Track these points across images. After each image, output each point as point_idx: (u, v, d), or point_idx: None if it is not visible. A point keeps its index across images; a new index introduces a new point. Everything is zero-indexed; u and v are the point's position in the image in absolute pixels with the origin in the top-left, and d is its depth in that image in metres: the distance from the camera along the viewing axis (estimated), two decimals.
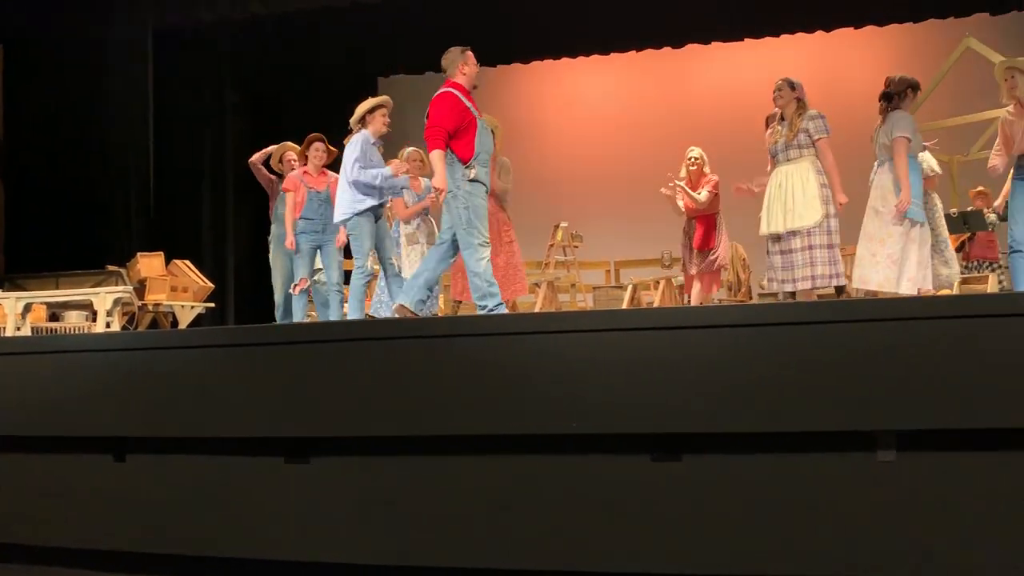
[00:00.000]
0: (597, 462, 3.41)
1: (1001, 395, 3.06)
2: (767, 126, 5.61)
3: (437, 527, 3.55)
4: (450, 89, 4.82)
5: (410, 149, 6.38)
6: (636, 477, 3.37)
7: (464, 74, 4.91)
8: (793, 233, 4.99)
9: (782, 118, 5.25)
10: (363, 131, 5.45)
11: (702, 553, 3.28)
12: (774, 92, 5.23)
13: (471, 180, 4.69)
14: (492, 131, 5.43)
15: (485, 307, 4.77)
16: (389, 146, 6.12)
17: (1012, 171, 4.95)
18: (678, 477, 3.33)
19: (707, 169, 6.51)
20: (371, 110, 5.48)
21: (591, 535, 3.39)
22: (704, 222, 6.42)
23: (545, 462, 3.47)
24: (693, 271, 6.46)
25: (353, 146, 5.37)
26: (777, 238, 5.10)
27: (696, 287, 6.44)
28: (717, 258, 6.37)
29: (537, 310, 7.44)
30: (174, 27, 9.91)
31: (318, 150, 5.96)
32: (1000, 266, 7.47)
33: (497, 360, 3.50)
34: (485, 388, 3.49)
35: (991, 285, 7.01)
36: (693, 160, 6.51)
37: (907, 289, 4.85)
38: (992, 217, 7.45)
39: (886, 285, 4.84)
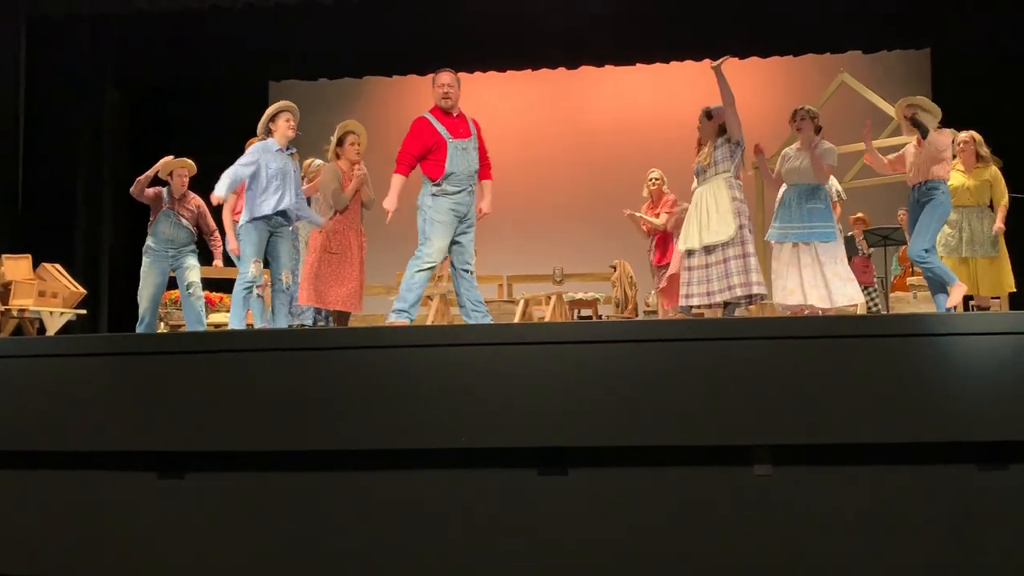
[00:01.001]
0: (485, 476, 3.40)
1: (871, 412, 3.23)
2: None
3: (322, 546, 3.46)
4: (425, 114, 4.98)
5: (317, 162, 6.31)
6: (523, 491, 3.38)
7: (434, 98, 5.01)
8: (709, 248, 5.17)
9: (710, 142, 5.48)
10: (267, 139, 5.30)
11: (587, 565, 3.31)
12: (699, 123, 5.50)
13: (433, 195, 4.87)
14: (356, 140, 5.66)
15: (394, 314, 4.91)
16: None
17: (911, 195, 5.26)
18: (565, 490, 3.36)
19: (666, 188, 6.77)
20: (273, 116, 5.34)
21: (479, 549, 3.37)
22: (660, 239, 6.68)
23: (433, 477, 3.43)
24: (661, 286, 6.77)
25: (250, 155, 5.28)
26: (691, 253, 5.28)
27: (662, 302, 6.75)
28: (668, 271, 6.60)
29: (429, 323, 7.40)
30: (51, 17, 9.39)
31: None
32: (874, 289, 7.90)
33: (386, 373, 3.45)
34: (373, 401, 3.43)
35: (860, 307, 7.40)
36: (653, 181, 6.85)
37: (834, 304, 5.19)
38: (871, 251, 7.89)
39: (822, 302, 5.19)
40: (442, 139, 4.88)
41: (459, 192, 4.93)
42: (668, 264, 6.67)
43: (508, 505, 3.38)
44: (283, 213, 5.29)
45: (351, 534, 3.45)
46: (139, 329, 5.97)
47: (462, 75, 11.15)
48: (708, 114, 5.42)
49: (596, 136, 11.11)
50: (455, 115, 5.01)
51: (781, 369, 3.28)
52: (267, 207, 5.21)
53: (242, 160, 5.24)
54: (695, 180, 5.48)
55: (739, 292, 5.09)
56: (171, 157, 6.13)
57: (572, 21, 9.75)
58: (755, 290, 5.08)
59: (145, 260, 6.03)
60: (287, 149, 5.32)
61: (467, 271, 5.00)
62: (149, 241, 6.03)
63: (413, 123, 4.96)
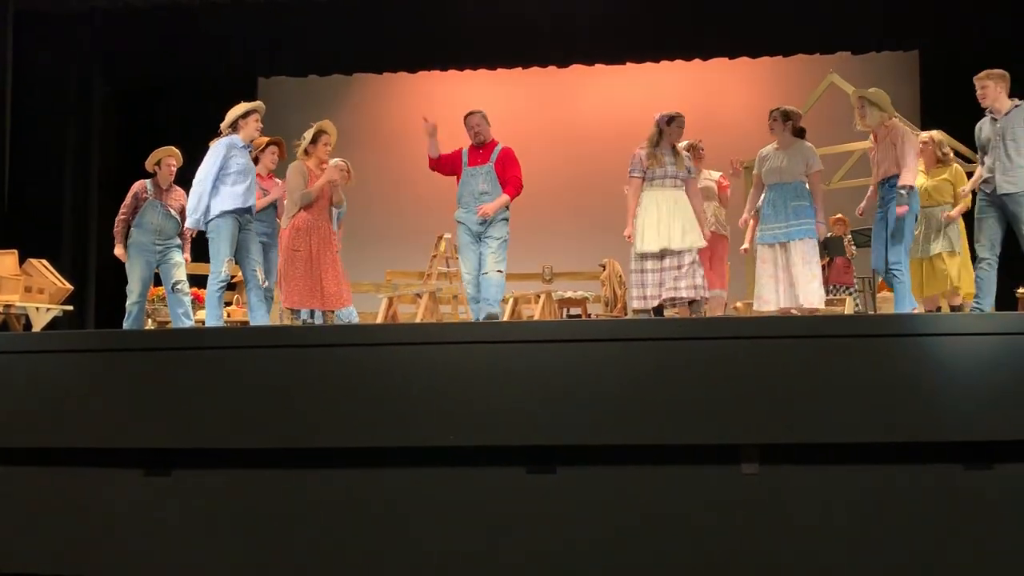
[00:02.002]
0: (473, 474, 3.40)
1: (857, 412, 3.24)
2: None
3: (308, 544, 3.45)
4: (464, 147, 5.73)
5: (338, 159, 6.33)
6: (511, 489, 3.38)
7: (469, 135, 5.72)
8: (688, 250, 5.36)
9: (672, 146, 5.60)
10: (232, 136, 5.32)
11: (575, 562, 3.32)
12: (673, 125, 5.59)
13: (457, 219, 5.65)
14: (328, 140, 5.77)
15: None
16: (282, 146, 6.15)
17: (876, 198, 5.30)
18: (552, 488, 3.36)
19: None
20: (245, 115, 5.36)
21: (467, 546, 3.37)
22: None
23: (422, 474, 3.43)
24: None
25: (215, 152, 5.26)
26: (663, 255, 5.35)
27: None
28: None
29: (418, 321, 7.39)
30: (39, 11, 9.33)
31: (273, 152, 6.10)
32: (855, 290, 7.93)
33: (375, 371, 3.45)
34: (360, 399, 3.43)
35: (848, 308, 7.43)
36: None
37: (802, 304, 5.27)
38: (853, 250, 7.91)
39: (818, 302, 5.30)
40: (461, 168, 5.65)
41: (466, 212, 5.58)
42: None
43: (496, 503, 3.38)
44: (249, 208, 5.34)
45: (338, 531, 3.44)
46: (126, 324, 5.92)
47: (452, 72, 11.15)
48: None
49: (586, 134, 11.10)
50: (482, 147, 5.66)
51: (768, 368, 3.29)
52: (238, 200, 5.25)
53: (220, 166, 5.24)
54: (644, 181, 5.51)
55: (700, 292, 5.32)
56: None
57: (563, 20, 9.75)
58: (706, 293, 5.41)
59: (130, 253, 5.96)
60: (247, 146, 5.40)
61: (484, 273, 5.58)
62: (134, 234, 5.94)
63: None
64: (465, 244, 5.61)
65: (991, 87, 4.99)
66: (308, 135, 5.78)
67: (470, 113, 5.70)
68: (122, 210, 5.98)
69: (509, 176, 5.60)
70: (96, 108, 10.17)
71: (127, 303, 5.94)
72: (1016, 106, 4.96)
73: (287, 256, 5.54)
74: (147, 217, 5.93)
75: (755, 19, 9.64)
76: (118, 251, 5.96)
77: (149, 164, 6.05)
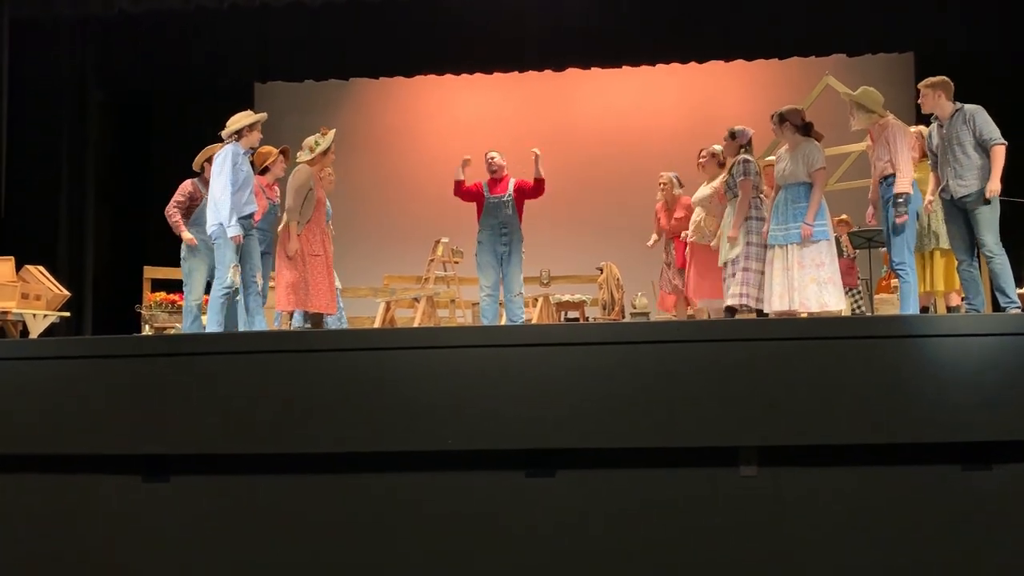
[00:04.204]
0: (472, 478, 3.40)
1: (856, 413, 3.25)
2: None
3: (307, 548, 3.45)
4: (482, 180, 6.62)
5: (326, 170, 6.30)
6: (510, 492, 3.38)
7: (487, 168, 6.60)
8: (725, 264, 5.67)
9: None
10: (234, 144, 5.31)
11: (574, 565, 3.32)
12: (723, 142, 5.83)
13: (479, 241, 6.50)
14: (326, 145, 5.80)
15: None
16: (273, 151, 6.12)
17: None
18: (552, 492, 3.36)
19: (677, 191, 6.79)
20: (250, 126, 5.36)
21: (467, 551, 3.37)
22: (679, 242, 6.68)
23: (420, 479, 3.43)
24: (668, 289, 6.77)
25: (226, 162, 5.23)
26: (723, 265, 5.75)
27: (681, 302, 6.76)
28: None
29: (415, 325, 7.39)
30: (33, 18, 9.32)
31: (282, 162, 6.05)
32: (858, 291, 7.93)
33: (372, 375, 3.45)
34: (359, 404, 3.43)
35: (845, 309, 7.42)
36: (662, 185, 6.96)
37: (809, 308, 5.29)
38: (850, 248, 7.92)
39: (833, 305, 5.31)
40: (483, 199, 6.47)
41: (491, 235, 6.36)
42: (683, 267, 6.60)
43: (495, 507, 3.38)
44: (251, 215, 5.35)
45: (337, 537, 3.44)
46: (187, 323, 5.75)
47: (448, 77, 11.15)
48: (732, 135, 5.75)
49: (582, 138, 11.11)
50: (500, 178, 6.58)
51: (767, 371, 3.30)
52: (248, 207, 5.26)
53: (230, 177, 5.21)
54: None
55: (730, 302, 5.50)
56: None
57: (558, 24, 9.76)
58: (743, 301, 5.47)
59: (196, 258, 5.73)
60: (248, 153, 5.41)
61: (518, 295, 6.52)
62: (198, 234, 5.71)
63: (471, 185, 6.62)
64: (487, 263, 6.44)
65: (929, 95, 5.11)
66: (323, 143, 5.73)
67: (492, 151, 6.72)
68: (176, 205, 5.79)
69: (529, 192, 6.62)
70: (91, 114, 10.15)
71: (191, 305, 5.75)
72: (957, 110, 5.05)
73: (307, 261, 5.50)
74: (204, 216, 5.77)
75: (750, 22, 9.66)
76: (187, 236, 5.72)
77: (197, 163, 5.93)
